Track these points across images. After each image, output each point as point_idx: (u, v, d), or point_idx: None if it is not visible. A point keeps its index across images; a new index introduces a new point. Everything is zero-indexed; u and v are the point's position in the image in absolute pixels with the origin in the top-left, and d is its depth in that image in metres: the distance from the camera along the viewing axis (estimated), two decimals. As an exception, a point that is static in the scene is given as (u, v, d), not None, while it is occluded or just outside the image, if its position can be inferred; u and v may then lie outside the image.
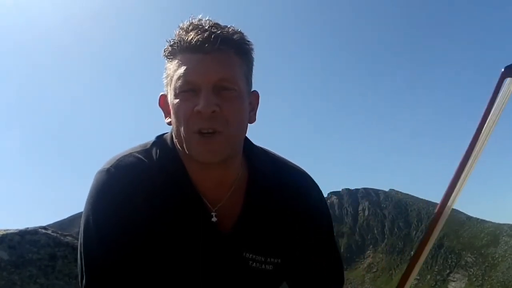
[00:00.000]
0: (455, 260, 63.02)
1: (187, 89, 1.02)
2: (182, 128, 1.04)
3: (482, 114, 0.66)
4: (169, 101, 1.08)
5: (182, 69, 1.03)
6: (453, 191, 0.69)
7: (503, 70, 0.65)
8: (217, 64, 1.02)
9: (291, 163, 1.26)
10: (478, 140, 0.67)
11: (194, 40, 1.01)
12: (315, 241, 1.21)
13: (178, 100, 1.04)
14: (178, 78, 1.03)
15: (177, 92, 1.04)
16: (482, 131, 0.67)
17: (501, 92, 0.64)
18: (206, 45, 1.01)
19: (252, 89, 1.13)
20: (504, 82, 0.64)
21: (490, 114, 0.65)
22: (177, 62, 1.05)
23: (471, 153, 0.68)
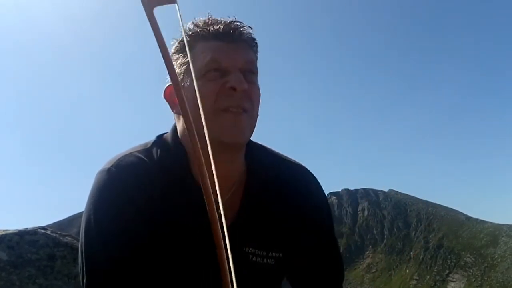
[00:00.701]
0: (455, 261, 63.05)
1: (215, 68, 1.04)
2: (208, 105, 1.02)
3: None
4: (186, 87, 1.05)
5: (210, 52, 1.05)
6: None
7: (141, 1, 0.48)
8: (243, 50, 1.07)
9: (289, 158, 1.28)
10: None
11: (222, 29, 1.06)
12: (316, 233, 1.21)
13: (204, 80, 1.04)
14: (206, 59, 1.04)
15: (203, 72, 1.04)
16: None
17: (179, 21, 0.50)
18: (232, 35, 1.06)
19: None
20: (154, 13, 0.48)
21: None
22: (200, 48, 1.06)
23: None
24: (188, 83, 1.06)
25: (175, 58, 1.10)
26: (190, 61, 1.06)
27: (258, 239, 1.14)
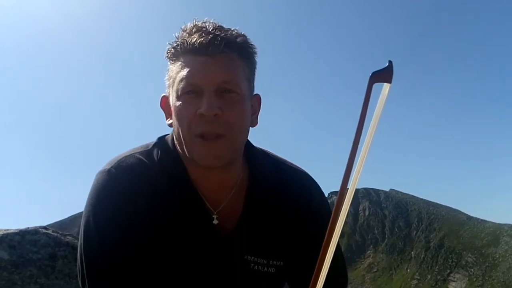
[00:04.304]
0: (456, 260, 62.96)
1: (190, 90, 1.02)
2: (184, 131, 1.03)
3: (357, 121, 0.66)
4: (171, 103, 1.08)
5: (185, 71, 1.02)
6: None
7: (370, 75, 0.65)
8: (220, 67, 1.02)
9: (291, 163, 1.26)
10: (359, 147, 0.66)
11: (198, 42, 1.01)
12: (318, 240, 1.17)
13: (180, 102, 1.03)
14: (181, 80, 1.02)
15: (179, 94, 1.03)
16: (362, 139, 0.66)
17: (379, 98, 0.66)
18: (210, 47, 1.01)
19: (255, 92, 1.13)
20: (373, 87, 0.65)
21: (372, 120, 0.66)
22: (180, 64, 1.04)
23: (353, 162, 0.66)
24: (171, 99, 1.07)
25: (167, 67, 1.10)
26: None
27: (259, 247, 1.13)
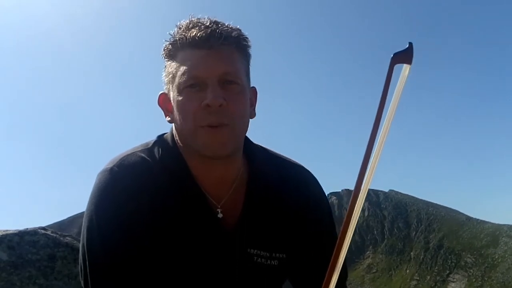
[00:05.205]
0: (455, 261, 63.02)
1: (193, 84, 1.03)
2: (189, 123, 1.04)
3: (378, 102, 0.67)
4: (171, 99, 1.09)
5: (186, 65, 1.03)
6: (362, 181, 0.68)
7: (392, 56, 0.66)
8: (220, 59, 1.04)
9: (289, 159, 1.28)
10: (379, 129, 0.66)
11: (198, 36, 1.03)
12: (318, 233, 1.21)
13: (183, 96, 1.04)
14: (183, 74, 1.03)
15: (181, 88, 1.04)
16: (382, 120, 0.67)
17: (399, 79, 0.67)
18: (210, 41, 1.03)
19: (251, 85, 1.15)
20: (394, 68, 0.67)
21: (391, 102, 0.67)
22: (180, 59, 1.05)
23: (373, 143, 0.66)
24: (172, 94, 1.08)
25: (164, 65, 1.11)
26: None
27: (261, 240, 1.14)
